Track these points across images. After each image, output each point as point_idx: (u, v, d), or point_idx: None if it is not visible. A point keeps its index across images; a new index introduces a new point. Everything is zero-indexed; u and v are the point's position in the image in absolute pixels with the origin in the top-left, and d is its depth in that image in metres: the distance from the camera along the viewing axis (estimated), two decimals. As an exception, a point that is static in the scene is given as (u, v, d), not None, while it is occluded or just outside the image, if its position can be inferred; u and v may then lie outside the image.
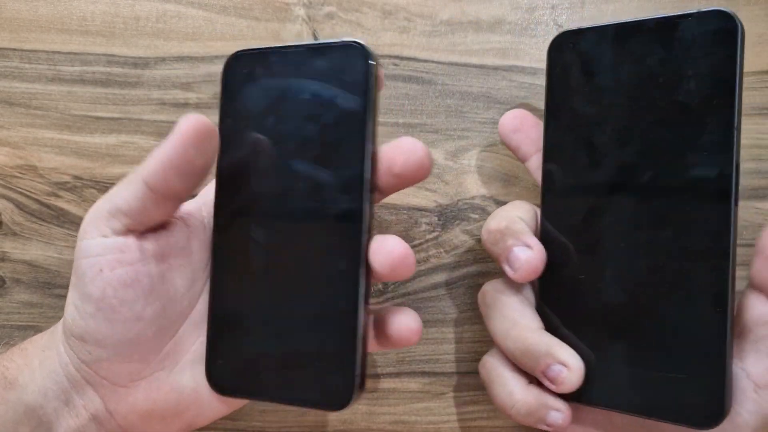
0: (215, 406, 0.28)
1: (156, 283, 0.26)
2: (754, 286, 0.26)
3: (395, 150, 0.25)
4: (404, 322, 0.25)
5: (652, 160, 0.25)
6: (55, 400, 0.26)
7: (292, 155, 0.26)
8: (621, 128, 0.25)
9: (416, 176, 0.25)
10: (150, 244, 0.26)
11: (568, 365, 0.25)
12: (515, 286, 0.28)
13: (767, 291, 0.25)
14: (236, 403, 0.29)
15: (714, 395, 0.23)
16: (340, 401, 0.24)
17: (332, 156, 0.25)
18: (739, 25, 0.23)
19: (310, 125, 0.25)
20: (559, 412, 0.26)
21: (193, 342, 0.28)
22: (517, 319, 0.27)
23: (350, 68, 0.25)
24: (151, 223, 0.26)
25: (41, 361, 0.26)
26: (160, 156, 0.25)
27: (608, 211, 0.26)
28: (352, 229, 0.24)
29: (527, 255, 0.26)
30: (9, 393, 0.26)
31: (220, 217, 0.27)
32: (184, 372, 0.27)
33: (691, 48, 0.24)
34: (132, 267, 0.25)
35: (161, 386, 0.27)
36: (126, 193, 0.25)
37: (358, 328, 0.24)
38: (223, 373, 0.27)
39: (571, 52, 0.26)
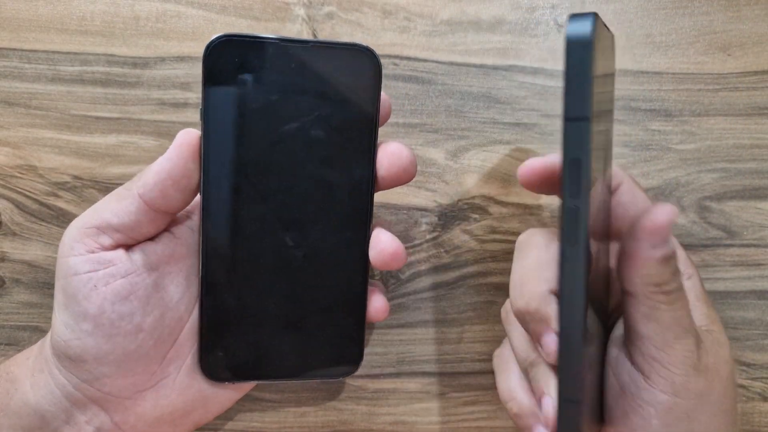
0: (220, 400, 0.28)
1: (151, 293, 0.26)
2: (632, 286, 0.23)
3: (382, 153, 0.26)
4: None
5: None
6: (55, 420, 0.25)
7: (296, 152, 0.26)
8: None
9: (399, 180, 0.27)
10: (139, 255, 0.26)
11: None
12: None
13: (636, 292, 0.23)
14: (240, 393, 0.29)
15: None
16: (351, 369, 0.29)
17: (341, 155, 0.26)
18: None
19: (315, 124, 0.26)
20: (544, 429, 0.25)
21: (192, 346, 0.28)
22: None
23: (361, 71, 0.26)
24: (142, 238, 0.26)
25: (33, 385, 0.26)
26: (158, 170, 0.24)
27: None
28: (359, 220, 0.27)
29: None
30: (2, 419, 0.25)
31: (210, 205, 0.26)
32: (188, 375, 0.27)
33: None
34: (126, 279, 0.25)
35: (168, 393, 0.27)
36: (118, 208, 0.25)
37: (365, 304, 0.28)
38: (224, 361, 0.27)
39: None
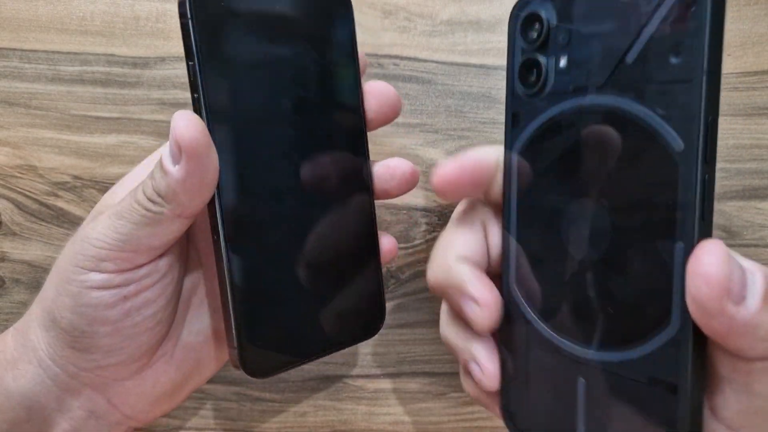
0: (214, 363, 0.29)
1: (175, 288, 0.26)
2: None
3: (369, 94, 0.27)
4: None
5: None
6: (44, 410, 0.25)
7: (289, 93, 0.25)
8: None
9: (388, 117, 0.27)
10: (170, 256, 0.25)
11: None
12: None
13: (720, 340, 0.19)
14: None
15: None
16: (378, 325, 0.28)
17: (330, 94, 0.26)
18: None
19: (303, 64, 0.25)
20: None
21: (184, 318, 0.28)
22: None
23: (336, 12, 0.26)
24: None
25: (16, 378, 0.25)
26: (190, 188, 0.22)
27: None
28: (360, 164, 0.27)
29: (474, 311, 0.23)
30: None
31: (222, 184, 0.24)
32: (185, 349, 0.27)
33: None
34: (158, 285, 0.25)
35: (167, 369, 0.27)
36: (160, 231, 0.23)
37: (379, 256, 0.28)
38: (264, 354, 0.25)
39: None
